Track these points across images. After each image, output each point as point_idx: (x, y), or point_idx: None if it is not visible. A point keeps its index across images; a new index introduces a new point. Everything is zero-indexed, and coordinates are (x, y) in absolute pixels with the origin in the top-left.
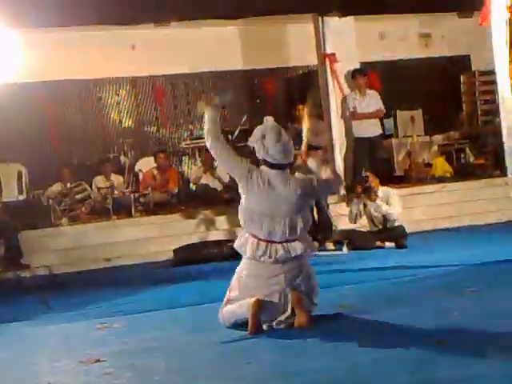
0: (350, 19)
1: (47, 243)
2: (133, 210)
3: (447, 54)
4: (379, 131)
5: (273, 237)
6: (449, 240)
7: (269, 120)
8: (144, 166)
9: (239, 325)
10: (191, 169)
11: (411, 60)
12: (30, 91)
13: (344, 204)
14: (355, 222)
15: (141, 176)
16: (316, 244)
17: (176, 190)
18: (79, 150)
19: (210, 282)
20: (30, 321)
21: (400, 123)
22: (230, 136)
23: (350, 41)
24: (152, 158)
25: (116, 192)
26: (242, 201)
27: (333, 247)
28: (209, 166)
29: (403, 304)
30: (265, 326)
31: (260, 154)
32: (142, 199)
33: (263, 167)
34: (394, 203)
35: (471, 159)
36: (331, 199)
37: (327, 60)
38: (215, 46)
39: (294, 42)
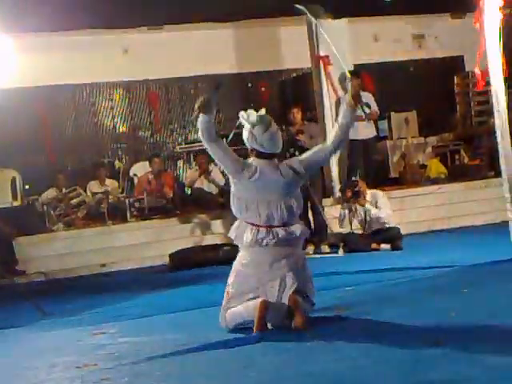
0: (343, 21)
1: (42, 249)
2: (128, 214)
3: (440, 55)
4: (373, 133)
5: (271, 221)
6: (444, 241)
7: (261, 111)
8: (139, 171)
9: (241, 327)
10: (186, 173)
11: (405, 61)
12: (23, 96)
13: (339, 207)
14: (342, 227)
15: (136, 181)
16: (312, 247)
17: (171, 195)
18: (73, 155)
19: (207, 286)
20: (25, 327)
21: (394, 125)
22: (224, 140)
23: (344, 43)
24: (146, 163)
25: (111, 197)
26: (234, 190)
27: (328, 250)
28: (204, 169)
29: (400, 305)
30: (269, 326)
31: (249, 143)
32: (137, 204)
33: (253, 159)
34: (383, 206)
35: (466, 160)
36: (326, 202)
37: (321, 62)
38: (208, 50)
39: (288, 45)
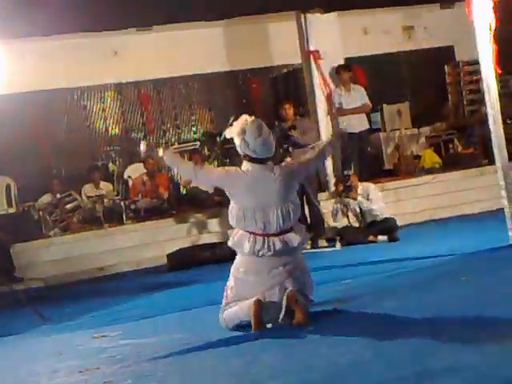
0: (332, 15)
1: (40, 255)
2: (124, 217)
3: (431, 45)
4: (366, 126)
5: (269, 229)
6: (441, 230)
7: (251, 117)
8: (133, 173)
9: (241, 326)
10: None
11: (395, 53)
12: (14, 102)
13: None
14: (336, 221)
15: (130, 183)
16: (309, 241)
17: (167, 195)
18: (67, 159)
19: (206, 284)
20: (26, 333)
21: (387, 117)
22: (217, 138)
23: (334, 37)
24: (141, 165)
25: (106, 200)
26: (232, 202)
27: (326, 244)
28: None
29: (399, 296)
30: (268, 325)
31: (241, 149)
32: (132, 206)
33: (245, 164)
34: (374, 198)
35: (459, 149)
36: (322, 196)
37: (311, 57)
38: (198, 49)
39: (277, 41)
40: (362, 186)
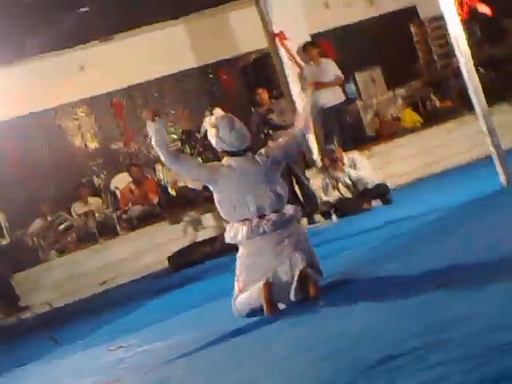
0: None
1: (41, 280)
2: (118, 228)
3: (393, 8)
4: (342, 98)
5: (262, 211)
6: (433, 186)
7: (216, 111)
8: (119, 183)
9: (254, 311)
10: (166, 175)
11: (360, 22)
12: None
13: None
14: (328, 195)
15: (118, 193)
16: (305, 219)
17: (156, 200)
18: (51, 181)
19: (211, 279)
20: (42, 359)
21: (361, 85)
22: (196, 134)
23: (296, 15)
24: (125, 174)
25: (97, 215)
26: (218, 196)
27: (322, 218)
28: None
29: (401, 257)
30: (280, 306)
31: (218, 146)
32: (124, 216)
33: (225, 159)
34: (361, 166)
35: (437, 104)
36: (310, 173)
37: (277, 39)
38: (164, 50)
39: (241, 29)
40: (347, 157)
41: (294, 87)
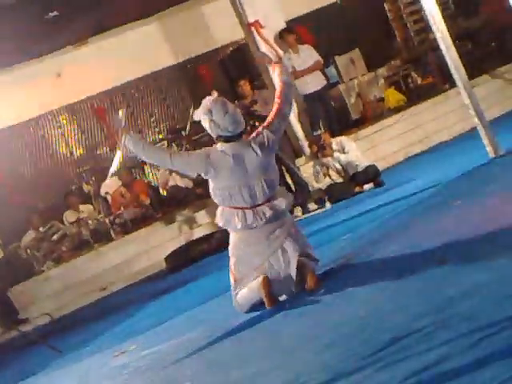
0: None
1: (39, 291)
2: (112, 233)
3: None
4: (324, 82)
5: (255, 200)
6: (423, 164)
7: (213, 94)
8: (109, 188)
9: (256, 306)
10: (156, 175)
11: (332, 4)
12: None
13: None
14: (319, 182)
15: (109, 198)
16: (299, 209)
17: (148, 201)
18: (40, 192)
19: (210, 276)
20: (46, 370)
21: (342, 68)
22: (183, 132)
23: (270, 2)
24: (114, 178)
25: (90, 221)
26: (213, 184)
27: (315, 206)
28: None
29: (398, 238)
30: (281, 298)
31: (213, 131)
32: (117, 220)
33: (219, 145)
34: (350, 149)
35: (419, 81)
36: (300, 161)
37: (253, 29)
38: (140, 49)
39: (216, 21)
40: (335, 142)
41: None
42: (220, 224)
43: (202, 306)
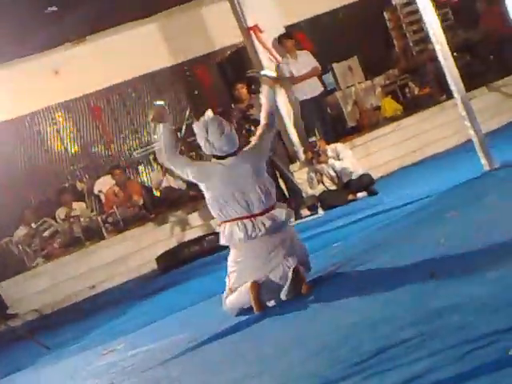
0: None
1: (29, 287)
2: (104, 232)
3: None
4: (321, 89)
5: (252, 208)
6: (416, 175)
7: (208, 114)
8: (103, 186)
9: (244, 311)
10: (150, 176)
11: (333, 11)
12: None
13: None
14: (313, 188)
15: (102, 197)
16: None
17: (141, 201)
18: (33, 188)
19: (200, 279)
20: (33, 366)
21: (339, 75)
22: (178, 134)
23: (270, 8)
24: (108, 177)
25: (82, 219)
26: (208, 196)
27: (308, 212)
28: (166, 168)
29: (389, 248)
30: (270, 304)
31: (208, 150)
32: (110, 219)
33: (214, 160)
34: (345, 156)
35: (416, 91)
36: (294, 167)
37: (252, 33)
38: (138, 49)
39: (215, 24)
40: (330, 149)
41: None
42: (223, 242)
43: (192, 307)
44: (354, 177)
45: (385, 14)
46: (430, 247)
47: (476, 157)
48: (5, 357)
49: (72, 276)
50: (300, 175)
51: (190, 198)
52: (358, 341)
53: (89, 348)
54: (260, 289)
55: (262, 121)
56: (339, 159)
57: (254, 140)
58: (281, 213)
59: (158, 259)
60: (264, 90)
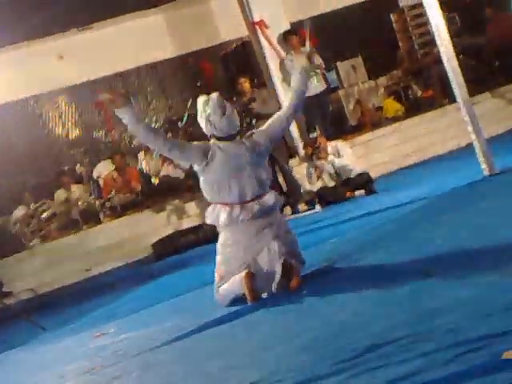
0: None
1: (24, 267)
2: (101, 216)
3: None
4: (323, 86)
5: (244, 196)
6: (415, 176)
7: (213, 95)
8: (102, 171)
9: (237, 301)
10: (149, 163)
11: (340, 10)
12: None
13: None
14: (312, 184)
15: (101, 181)
16: (289, 209)
17: (139, 188)
18: (34, 169)
19: (194, 268)
20: (26, 345)
21: (343, 74)
22: (179, 123)
23: (276, 3)
24: (107, 162)
25: (80, 202)
26: (202, 177)
27: (305, 208)
28: (166, 157)
29: (385, 246)
30: (263, 295)
31: (207, 130)
32: (108, 204)
33: (212, 141)
34: (345, 154)
35: (419, 93)
36: (293, 162)
37: (257, 28)
38: (143, 39)
39: (222, 17)
40: (330, 146)
41: (276, 76)
42: (208, 221)
43: (185, 295)
44: (353, 175)
45: (392, 15)
46: (425, 248)
47: (476, 161)
48: None
49: (67, 258)
50: (299, 170)
51: (187, 187)
52: (349, 337)
53: (82, 330)
54: (254, 278)
55: (288, 101)
56: (339, 156)
57: (267, 122)
58: (269, 198)
59: (154, 245)
60: (296, 73)
